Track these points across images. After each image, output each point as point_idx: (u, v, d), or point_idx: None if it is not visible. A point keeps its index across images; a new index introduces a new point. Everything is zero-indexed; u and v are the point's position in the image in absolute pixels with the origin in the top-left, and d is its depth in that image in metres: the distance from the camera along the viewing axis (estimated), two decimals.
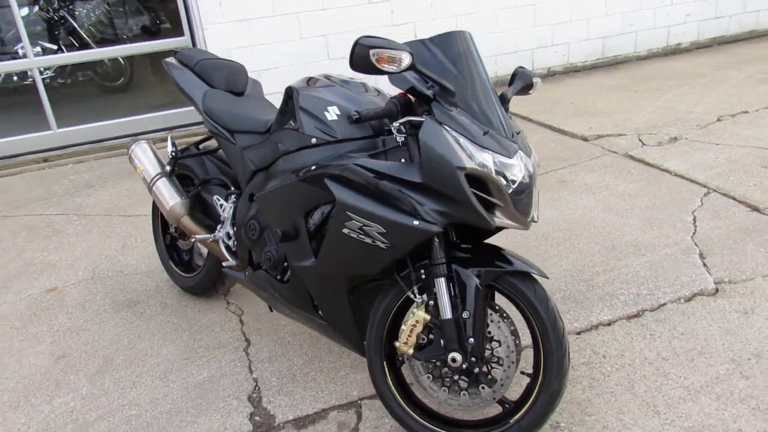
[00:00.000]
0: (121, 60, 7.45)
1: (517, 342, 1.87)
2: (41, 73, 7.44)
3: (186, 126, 5.65)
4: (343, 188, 1.81)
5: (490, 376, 1.84)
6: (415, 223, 1.71)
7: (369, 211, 1.76)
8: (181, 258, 3.00)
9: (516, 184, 1.71)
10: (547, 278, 1.84)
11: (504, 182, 1.69)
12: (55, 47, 7.15)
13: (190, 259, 2.99)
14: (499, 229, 1.86)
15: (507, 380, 1.82)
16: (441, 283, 1.79)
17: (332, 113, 1.94)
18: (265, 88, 5.29)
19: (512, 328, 1.86)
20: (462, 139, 1.67)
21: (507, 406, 1.88)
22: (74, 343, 2.68)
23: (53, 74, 7.28)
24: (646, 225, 3.20)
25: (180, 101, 5.25)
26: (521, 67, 2.06)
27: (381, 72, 1.59)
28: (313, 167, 1.90)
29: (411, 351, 1.85)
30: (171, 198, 2.56)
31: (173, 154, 2.66)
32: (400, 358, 1.96)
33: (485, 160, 1.67)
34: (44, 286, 3.19)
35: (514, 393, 1.97)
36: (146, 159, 2.68)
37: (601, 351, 2.31)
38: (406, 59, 1.59)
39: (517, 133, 1.83)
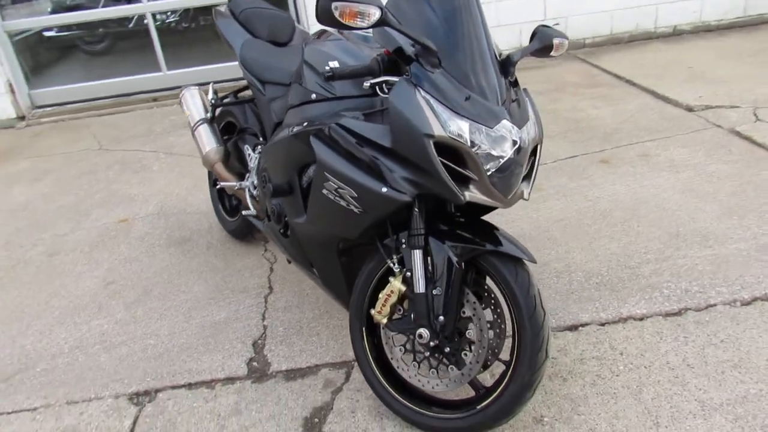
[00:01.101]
0: None
1: (498, 327, 1.75)
2: (155, 17, 7.94)
3: None
4: (324, 147, 1.76)
5: (459, 358, 1.74)
6: (384, 190, 1.62)
7: (343, 174, 1.70)
8: (230, 202, 3.12)
9: (496, 158, 1.56)
10: (535, 263, 1.69)
11: (481, 154, 1.54)
12: None
13: (238, 203, 3.10)
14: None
15: (476, 364, 1.71)
16: (417, 255, 1.70)
17: (331, 66, 1.87)
18: None
19: (498, 311, 1.74)
20: (436, 104, 1.53)
21: (480, 391, 1.78)
22: (124, 272, 2.91)
23: (178, 18, 7.74)
24: (724, 213, 2.82)
25: None
26: (544, 25, 1.85)
27: (347, 27, 1.49)
28: (305, 123, 1.86)
29: (384, 320, 1.79)
30: (207, 144, 2.65)
31: (213, 101, 2.74)
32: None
33: (460, 128, 1.53)
34: (118, 217, 3.48)
35: (494, 379, 1.86)
36: (193, 105, 2.78)
37: (620, 347, 2.10)
38: (375, 14, 1.48)
39: (514, 101, 1.65)
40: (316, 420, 1.95)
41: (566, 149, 3.69)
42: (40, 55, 7.33)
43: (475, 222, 1.79)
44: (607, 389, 1.93)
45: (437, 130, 1.51)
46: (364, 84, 1.64)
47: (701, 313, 2.22)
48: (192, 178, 3.88)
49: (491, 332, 1.76)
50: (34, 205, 3.79)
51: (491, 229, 1.76)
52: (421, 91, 1.55)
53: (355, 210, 1.71)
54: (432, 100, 1.54)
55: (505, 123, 1.58)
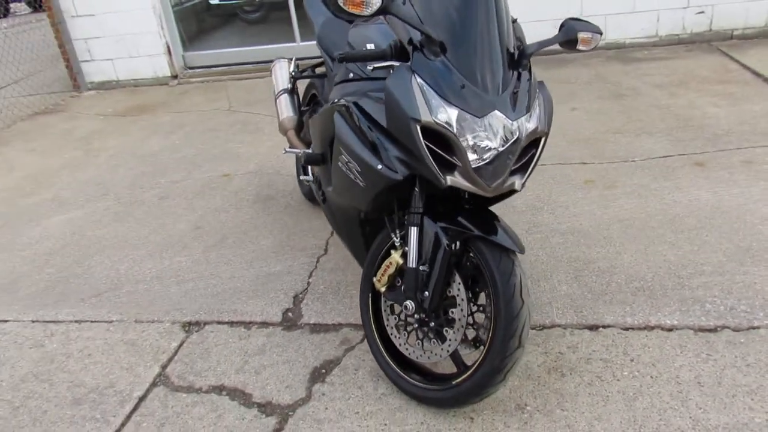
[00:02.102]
0: None
1: (484, 309, 1.81)
2: None
3: None
4: (343, 123, 1.91)
5: (441, 333, 1.83)
6: (379, 167, 1.74)
7: (352, 149, 1.84)
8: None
9: (482, 147, 1.61)
10: (522, 253, 1.72)
11: (468, 142, 1.60)
12: None
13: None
14: (505, 195, 1.77)
15: (454, 342, 1.79)
16: (413, 232, 1.81)
17: (370, 48, 1.99)
18: None
19: (484, 293, 1.80)
20: (429, 91, 1.61)
21: (461, 367, 1.86)
22: (212, 220, 3.30)
23: None
24: None
25: None
26: (573, 18, 1.83)
27: (352, 15, 1.61)
28: (336, 100, 2.02)
29: (383, 289, 1.92)
30: (284, 112, 2.90)
31: (293, 74, 2.98)
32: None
33: (449, 115, 1.60)
34: (222, 171, 3.91)
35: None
36: (279, 75, 3.04)
37: (634, 354, 2.04)
38: (376, 2, 1.58)
39: (515, 92, 1.67)
40: (324, 371, 2.14)
41: (663, 147, 3.47)
42: (205, 21, 8.14)
43: (478, 209, 1.85)
44: (601, 391, 1.91)
45: (424, 116, 1.60)
46: (368, 67, 1.76)
47: (738, 334, 2.07)
48: None
49: (482, 315, 1.82)
50: (162, 154, 4.36)
51: (490, 217, 1.81)
52: (417, 77, 1.64)
53: (360, 184, 1.85)
54: (425, 87, 1.62)
55: (496, 114, 1.61)
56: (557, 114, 4.10)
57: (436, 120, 1.60)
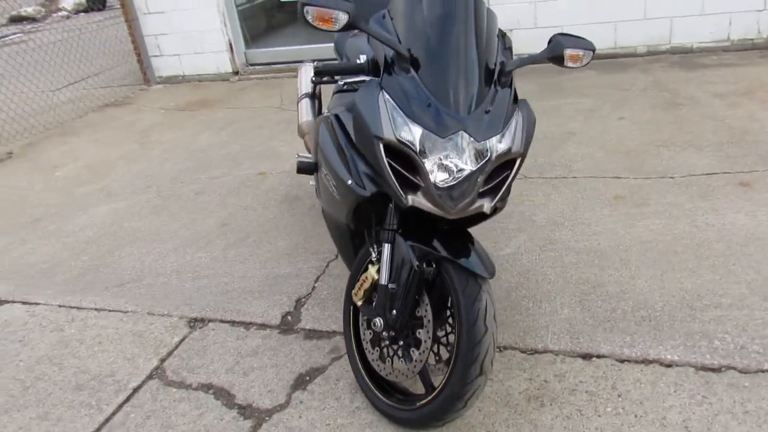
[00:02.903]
0: None
1: (446, 333, 1.77)
2: None
3: None
4: (325, 135, 1.91)
5: (407, 353, 1.80)
6: (349, 182, 1.74)
7: (329, 161, 1.84)
8: None
9: (446, 168, 1.56)
10: (489, 277, 1.67)
11: (431, 162, 1.56)
12: None
13: None
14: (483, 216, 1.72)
15: (419, 363, 1.76)
16: (386, 249, 1.79)
17: (362, 60, 1.98)
18: (541, 21, 5.15)
19: (447, 315, 1.76)
20: (394, 108, 1.59)
21: (428, 389, 1.83)
22: (239, 217, 3.40)
23: None
24: None
25: None
26: (562, 33, 1.74)
27: (321, 30, 1.61)
28: (328, 110, 2.02)
29: (359, 303, 1.92)
30: (302, 116, 2.93)
31: (312, 79, 3.00)
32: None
33: (413, 134, 1.57)
34: (259, 170, 4.01)
35: None
36: (303, 79, 3.08)
37: (623, 389, 1.93)
38: (342, 19, 1.57)
39: (487, 112, 1.61)
40: (307, 378, 2.17)
41: (708, 164, 3.24)
42: (273, 18, 8.35)
43: (454, 229, 1.80)
44: (578, 426, 1.82)
45: (387, 133, 1.58)
46: (339, 82, 1.75)
47: (743, 377, 1.92)
48: None
49: (453, 336, 1.78)
50: (210, 149, 4.52)
51: (464, 239, 1.76)
52: (385, 94, 1.61)
53: (337, 197, 1.85)
54: (391, 104, 1.60)
55: (461, 134, 1.57)
56: (603, 122, 3.93)
57: (399, 138, 1.57)
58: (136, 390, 2.21)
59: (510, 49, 1.84)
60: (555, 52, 1.72)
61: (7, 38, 12.97)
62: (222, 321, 2.54)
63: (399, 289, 1.76)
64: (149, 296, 2.77)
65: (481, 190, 1.63)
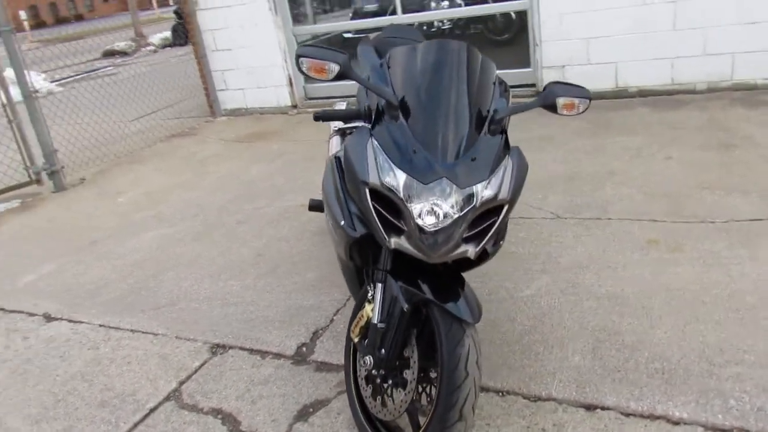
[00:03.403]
0: (512, 15, 7.91)
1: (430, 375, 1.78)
2: (443, 23, 8.58)
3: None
4: (328, 175, 1.99)
5: (393, 393, 1.82)
6: (342, 222, 1.79)
7: (328, 201, 1.91)
8: None
9: (427, 213, 1.59)
10: (473, 323, 1.67)
11: (412, 208, 1.59)
12: (460, 1, 8.09)
13: None
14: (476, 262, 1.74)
15: (404, 404, 1.77)
16: (378, 288, 1.83)
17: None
18: (594, 58, 5.07)
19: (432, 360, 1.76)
20: (381, 155, 1.64)
21: (415, 429, 1.83)
22: (273, 248, 3.52)
23: (451, 26, 8.28)
24: None
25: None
26: (557, 82, 1.75)
27: (317, 80, 1.69)
28: (337, 150, 2.10)
29: (356, 340, 1.96)
30: (331, 152, 3.03)
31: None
32: None
33: (397, 180, 1.61)
34: (300, 202, 4.14)
35: None
36: None
37: None
38: (334, 69, 1.65)
39: (473, 159, 1.63)
40: (311, 410, 2.22)
41: (754, 209, 3.08)
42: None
43: (446, 272, 1.81)
44: None
45: (373, 178, 1.63)
46: (332, 128, 1.82)
47: None
48: None
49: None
50: (258, 180, 4.72)
51: (454, 282, 1.77)
52: (374, 140, 1.67)
53: (335, 236, 1.91)
54: (378, 150, 1.65)
55: (443, 181, 1.59)
56: (648, 162, 3.83)
57: (383, 183, 1.62)
58: (152, 410, 2.33)
59: (507, 96, 1.86)
60: (547, 101, 1.74)
61: (99, 71, 14.05)
62: (241, 348, 2.63)
63: (388, 329, 1.79)
64: (180, 320, 2.91)
65: (465, 236, 1.65)
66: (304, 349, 2.57)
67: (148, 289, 3.27)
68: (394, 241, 1.65)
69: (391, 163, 1.63)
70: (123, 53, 17.05)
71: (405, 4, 6.70)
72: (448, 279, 1.79)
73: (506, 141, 1.76)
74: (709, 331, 2.28)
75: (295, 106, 6.66)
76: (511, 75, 5.88)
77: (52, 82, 12.17)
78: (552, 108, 1.75)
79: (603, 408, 2.02)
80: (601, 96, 5.32)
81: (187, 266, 3.45)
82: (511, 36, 8.07)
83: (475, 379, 1.67)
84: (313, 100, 6.71)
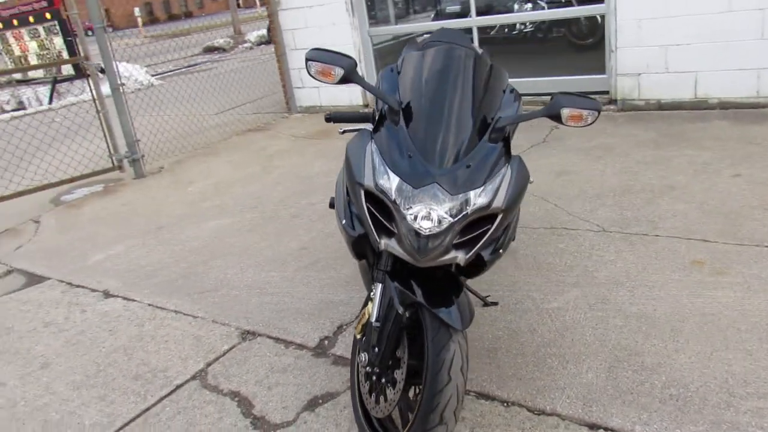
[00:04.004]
0: (598, 19, 7.64)
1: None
2: (525, 26, 8.43)
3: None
4: (339, 176, 2.05)
5: (385, 391, 1.85)
6: (343, 222, 1.85)
7: (336, 200, 1.97)
8: None
9: (416, 217, 1.61)
10: (460, 329, 1.69)
11: (406, 211, 1.62)
12: (543, 4, 7.92)
13: None
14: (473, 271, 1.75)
15: (393, 403, 1.81)
16: (377, 288, 1.87)
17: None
18: (672, 66, 4.84)
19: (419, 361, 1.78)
20: (378, 158, 1.68)
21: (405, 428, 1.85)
22: (318, 242, 3.63)
23: (533, 29, 8.11)
24: None
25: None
26: (565, 93, 1.72)
27: (324, 82, 1.76)
28: None
29: (358, 336, 2.01)
30: None
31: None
32: None
33: (390, 183, 1.65)
34: None
35: None
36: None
37: None
38: (338, 73, 1.71)
39: (468, 167, 1.64)
40: (320, 401, 2.29)
41: None
42: None
43: (444, 277, 1.83)
44: None
45: (368, 181, 1.68)
46: (338, 131, 1.88)
47: None
48: None
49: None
50: (318, 176, 4.86)
51: (448, 287, 1.79)
52: (373, 144, 1.72)
53: (342, 234, 1.97)
54: (376, 153, 1.69)
55: (434, 186, 1.61)
56: (713, 178, 3.62)
57: (377, 185, 1.66)
58: (178, 387, 2.49)
59: (518, 104, 1.84)
60: (552, 111, 1.71)
61: (197, 66, 14.88)
62: (269, 336, 2.76)
63: (384, 328, 1.83)
64: (219, 306, 3.08)
65: (456, 242, 1.66)
66: (326, 342, 2.65)
67: (197, 274, 3.47)
68: (385, 243, 1.69)
69: (386, 167, 1.67)
70: (221, 49, 17.95)
71: (488, 5, 6.66)
72: (445, 284, 1.80)
73: (508, 149, 1.75)
74: (737, 361, 2.15)
75: (366, 105, 6.78)
76: (583, 82, 5.71)
77: (153, 75, 13.05)
78: (557, 118, 1.72)
79: (606, 429, 1.96)
80: (678, 106, 5.06)
81: (237, 255, 3.63)
82: (595, 41, 7.77)
83: (458, 385, 1.67)
84: None
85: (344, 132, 2.07)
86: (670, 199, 3.45)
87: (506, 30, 8.37)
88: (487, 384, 2.23)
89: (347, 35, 6.60)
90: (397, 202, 1.63)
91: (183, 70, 14.21)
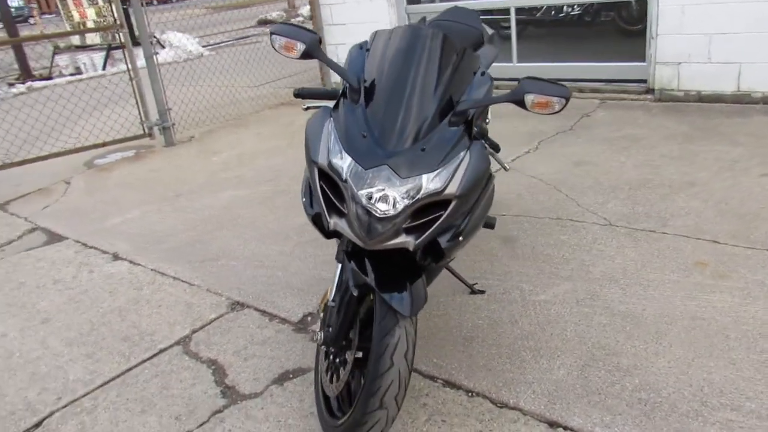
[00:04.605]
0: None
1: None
2: (572, 8, 8.13)
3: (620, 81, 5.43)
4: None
5: (337, 372, 1.84)
6: (303, 200, 1.83)
7: (304, 179, 1.95)
8: None
9: (365, 198, 1.58)
10: (407, 316, 1.66)
11: (352, 191, 1.60)
12: None
13: None
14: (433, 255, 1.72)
15: (342, 384, 1.80)
16: (338, 267, 1.86)
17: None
18: (716, 56, 4.60)
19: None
20: (334, 136, 1.66)
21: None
22: None
23: (580, 12, 7.81)
24: None
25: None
26: (531, 77, 1.64)
27: (288, 56, 1.73)
28: None
29: (321, 315, 2.01)
30: None
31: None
32: None
33: (343, 163, 1.62)
34: None
35: None
36: None
37: None
38: (300, 48, 1.69)
39: (423, 150, 1.59)
40: (290, 376, 2.31)
41: None
42: None
43: (402, 261, 1.79)
44: None
45: (322, 159, 1.66)
46: (302, 107, 1.85)
47: None
48: None
49: None
50: None
51: (403, 272, 1.75)
52: (331, 122, 1.69)
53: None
54: (332, 132, 1.67)
55: (384, 168, 1.58)
56: (738, 177, 3.44)
57: (330, 164, 1.64)
58: (161, 351, 2.56)
59: (489, 88, 1.78)
60: (516, 96, 1.64)
61: (248, 38, 15.04)
62: (256, 309, 2.79)
63: (339, 308, 1.82)
64: (216, 275, 3.14)
65: (407, 226, 1.62)
66: (309, 318, 2.67)
67: (203, 242, 3.54)
68: (334, 222, 1.67)
69: (341, 146, 1.64)
70: (274, 22, 18.09)
71: None
72: (402, 269, 1.77)
73: (470, 134, 1.69)
74: (718, 369, 2.04)
75: None
76: (620, 69, 5.49)
77: (204, 46, 13.27)
78: (522, 104, 1.65)
79: (565, 428, 1.90)
80: (719, 99, 4.80)
81: (243, 227, 3.68)
82: (644, 27, 7.46)
83: (401, 371, 1.65)
84: None
85: (308, 108, 2.05)
86: (686, 196, 3.29)
87: (552, 12, 8.10)
88: (456, 372, 2.20)
89: (384, 12, 6.52)
90: (348, 182, 1.61)
91: (233, 42, 14.38)
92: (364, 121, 1.65)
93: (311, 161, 1.68)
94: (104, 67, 11.43)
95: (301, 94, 1.96)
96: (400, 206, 1.58)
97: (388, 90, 1.66)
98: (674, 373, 2.06)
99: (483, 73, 1.82)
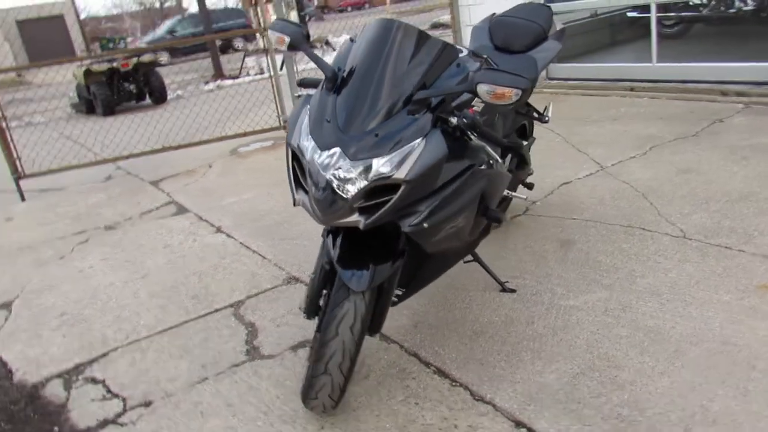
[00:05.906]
0: None
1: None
2: (745, 3, 7.28)
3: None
4: None
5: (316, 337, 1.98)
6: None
7: None
8: None
9: (319, 177, 1.71)
10: (355, 290, 1.76)
11: (310, 171, 1.73)
12: None
13: None
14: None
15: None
16: (321, 243, 2.01)
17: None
18: None
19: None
20: (305, 120, 1.80)
21: None
22: None
23: (754, 6, 6.92)
24: None
25: None
26: (488, 67, 1.65)
27: (280, 49, 1.91)
28: None
29: None
30: None
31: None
32: None
33: (306, 144, 1.77)
34: None
35: None
36: None
37: None
38: (287, 40, 1.85)
39: (376, 135, 1.68)
40: (306, 344, 2.50)
41: None
42: (619, 32, 7.99)
43: (382, 243, 1.89)
44: None
45: (294, 141, 1.82)
46: (294, 94, 2.00)
47: None
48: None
49: None
50: None
51: (371, 252, 1.85)
52: (308, 107, 1.84)
53: None
54: (306, 116, 1.82)
55: (336, 150, 1.69)
56: None
57: (299, 146, 1.80)
58: (216, 311, 2.91)
59: (460, 78, 1.80)
60: (469, 87, 1.65)
61: None
62: (305, 284, 3.03)
63: (315, 278, 1.98)
64: (287, 252, 3.44)
65: (361, 206, 1.72)
66: None
67: (291, 223, 3.87)
68: (299, 199, 1.83)
69: (308, 129, 1.79)
70: (445, 26, 18.40)
71: None
72: (373, 247, 1.86)
73: (432, 123, 1.73)
74: (724, 398, 1.83)
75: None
76: (749, 69, 4.86)
77: None
78: (476, 94, 1.65)
79: (529, 429, 1.85)
80: None
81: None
82: None
83: (345, 342, 1.75)
84: (555, 80, 6.50)
85: (299, 96, 2.20)
86: None
87: (722, 8, 7.30)
88: (450, 362, 2.23)
89: None
90: (309, 163, 1.75)
91: None
92: (333, 108, 1.78)
93: (287, 143, 1.85)
94: (281, 68, 12.61)
95: (303, 83, 2.14)
96: (351, 188, 1.69)
97: (357, 79, 1.76)
98: (671, 395, 1.88)
99: (459, 65, 1.83)
